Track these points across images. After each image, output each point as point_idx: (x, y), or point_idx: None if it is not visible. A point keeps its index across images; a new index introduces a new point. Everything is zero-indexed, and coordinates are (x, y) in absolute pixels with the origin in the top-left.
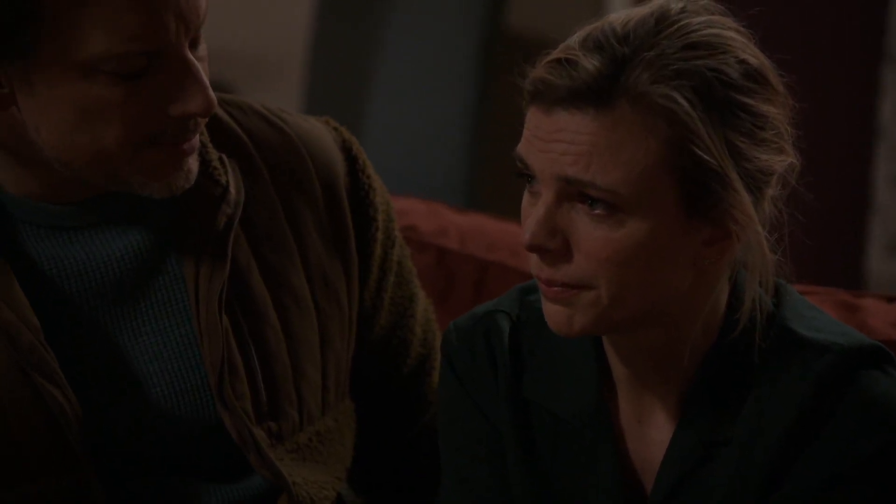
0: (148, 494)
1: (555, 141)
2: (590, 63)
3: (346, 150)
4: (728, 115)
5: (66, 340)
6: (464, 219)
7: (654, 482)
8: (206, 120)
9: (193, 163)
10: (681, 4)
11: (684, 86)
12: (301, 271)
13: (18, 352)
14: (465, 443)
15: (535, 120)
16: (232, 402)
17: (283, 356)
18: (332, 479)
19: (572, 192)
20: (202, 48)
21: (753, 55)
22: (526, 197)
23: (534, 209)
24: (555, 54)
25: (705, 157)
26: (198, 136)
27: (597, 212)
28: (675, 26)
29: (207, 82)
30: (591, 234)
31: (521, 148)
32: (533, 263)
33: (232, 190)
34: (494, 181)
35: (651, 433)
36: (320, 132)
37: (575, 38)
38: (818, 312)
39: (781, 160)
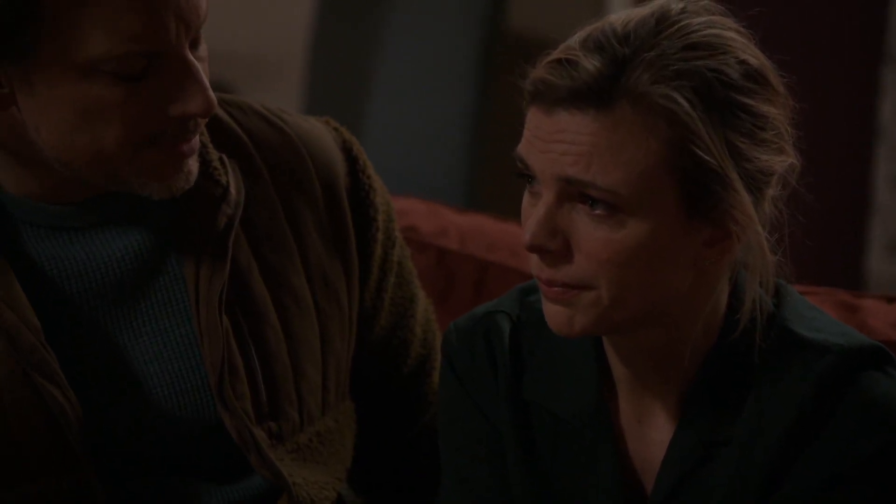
0: (148, 495)
1: (555, 141)
2: (590, 63)
3: (347, 150)
4: (728, 115)
5: (66, 341)
6: (464, 219)
7: (654, 482)
8: (206, 121)
9: (193, 164)
10: (681, 5)
11: (685, 86)
12: (301, 271)
13: (19, 352)
14: (465, 443)
15: (535, 120)
16: (232, 403)
17: (283, 356)
18: (332, 480)
19: (573, 192)
20: (202, 49)
21: (754, 56)
22: (526, 197)
23: (534, 210)
24: (555, 54)
25: (706, 157)
26: (198, 137)
27: (597, 212)
28: (676, 27)
29: (207, 83)
30: (592, 235)
31: (522, 148)
32: (533, 264)
33: (232, 190)
34: (494, 181)
35: (651, 433)
36: (320, 132)
37: (575, 39)
38: (818, 313)
39: (782, 160)
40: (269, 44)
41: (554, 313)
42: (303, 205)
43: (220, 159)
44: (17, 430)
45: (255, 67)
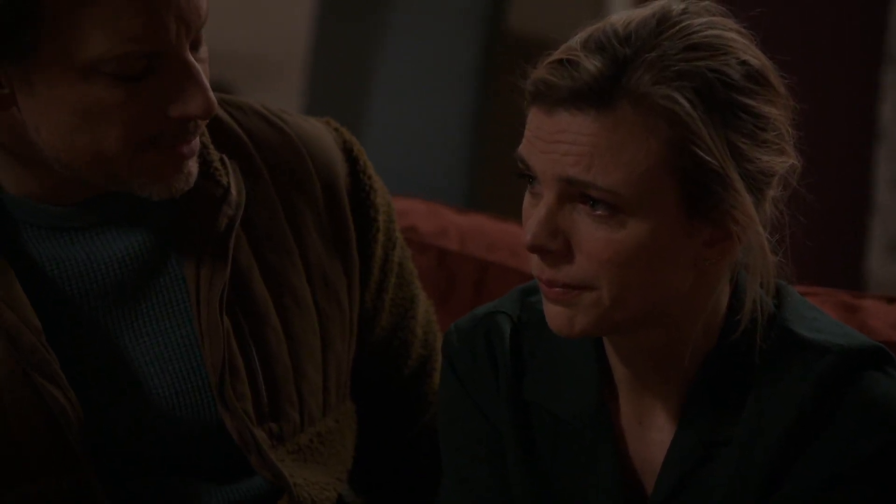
0: (148, 495)
1: (556, 142)
2: (591, 64)
3: (347, 150)
4: (729, 116)
5: (66, 341)
6: (464, 219)
7: (654, 482)
8: (207, 122)
9: (193, 165)
10: (682, 6)
11: (686, 87)
12: (301, 272)
13: (19, 352)
14: (466, 443)
15: (536, 121)
16: (233, 403)
17: (283, 357)
18: (333, 480)
19: (574, 192)
20: (203, 50)
21: (755, 56)
22: (527, 198)
23: (535, 210)
24: (556, 55)
25: (706, 157)
26: (198, 138)
27: (598, 212)
28: (677, 27)
29: (208, 84)
30: (593, 235)
31: (523, 149)
32: (534, 264)
33: (233, 191)
34: (495, 181)
35: (651, 434)
36: (321, 133)
37: (576, 39)
38: (819, 313)
39: (782, 161)
40: (270, 44)
41: (555, 314)
42: (303, 205)
43: (221, 160)
44: (18, 430)
45: (255, 68)
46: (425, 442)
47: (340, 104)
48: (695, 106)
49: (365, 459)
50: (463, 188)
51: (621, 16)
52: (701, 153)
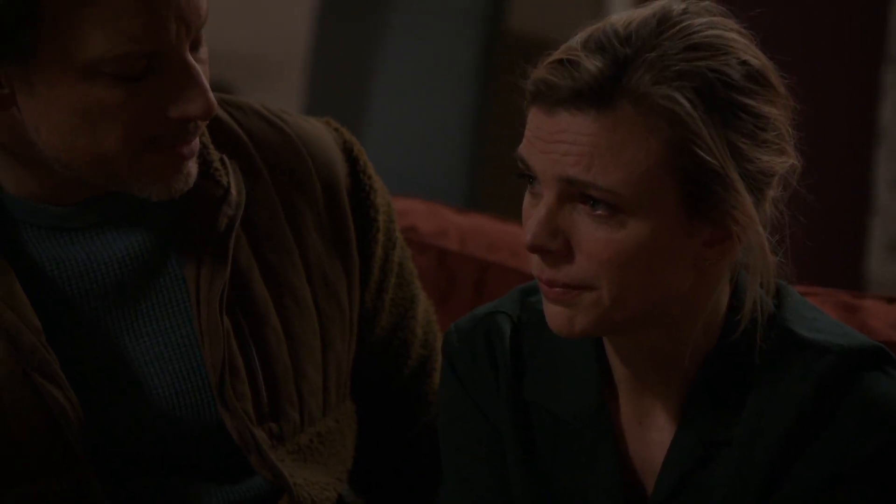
0: (148, 495)
1: (556, 142)
2: (592, 64)
3: (347, 150)
4: (730, 116)
5: (66, 341)
6: (464, 219)
7: (654, 483)
8: (207, 123)
9: (193, 166)
10: (682, 6)
11: (686, 87)
12: (301, 272)
13: (20, 352)
14: (466, 443)
15: (536, 121)
16: (233, 403)
17: (283, 357)
18: (333, 480)
19: (574, 192)
20: (203, 51)
21: (755, 56)
22: (527, 198)
23: (535, 210)
24: (556, 55)
25: (707, 157)
26: (197, 139)
27: (598, 212)
28: (677, 27)
29: (208, 86)
30: (593, 235)
31: (523, 149)
32: (534, 264)
33: (233, 191)
34: (495, 182)
35: (651, 434)
36: (321, 133)
37: (577, 39)
38: (819, 313)
39: (783, 161)
40: (270, 44)
41: (555, 314)
42: (303, 205)
43: (221, 160)
44: (18, 430)
45: (255, 68)
46: (425, 442)
47: (340, 104)
48: (695, 106)
49: (365, 459)
50: (463, 188)
51: (622, 16)
52: (701, 153)
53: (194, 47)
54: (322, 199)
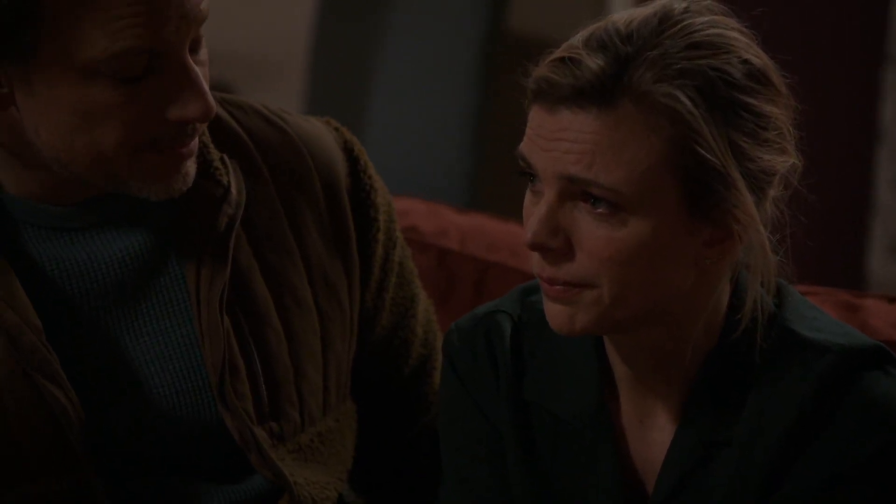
0: (149, 495)
1: (558, 140)
2: (593, 62)
3: (348, 150)
4: (731, 114)
5: (67, 341)
6: (464, 219)
7: (654, 482)
8: (206, 124)
9: (191, 166)
10: (684, 4)
11: (687, 85)
12: (302, 272)
13: (20, 352)
14: (466, 443)
15: (537, 119)
16: (233, 403)
17: (284, 357)
18: (333, 480)
19: (575, 190)
20: (203, 52)
21: (756, 55)
22: (528, 196)
23: (536, 208)
24: (558, 53)
25: (708, 156)
26: (196, 140)
27: (599, 210)
28: (679, 26)
29: (207, 88)
30: (594, 233)
31: (524, 147)
32: (535, 262)
33: (233, 191)
34: (495, 181)
35: (652, 434)
36: (321, 132)
37: (578, 37)
38: (819, 313)
39: (784, 161)
40: (270, 44)
41: (555, 312)
42: (303, 205)
43: (222, 159)
44: (18, 430)
45: (255, 67)
46: (425, 442)
47: (340, 104)
48: (696, 104)
49: (365, 459)
50: (463, 188)
51: (623, 14)
52: (702, 151)
53: (194, 49)
54: (322, 199)
